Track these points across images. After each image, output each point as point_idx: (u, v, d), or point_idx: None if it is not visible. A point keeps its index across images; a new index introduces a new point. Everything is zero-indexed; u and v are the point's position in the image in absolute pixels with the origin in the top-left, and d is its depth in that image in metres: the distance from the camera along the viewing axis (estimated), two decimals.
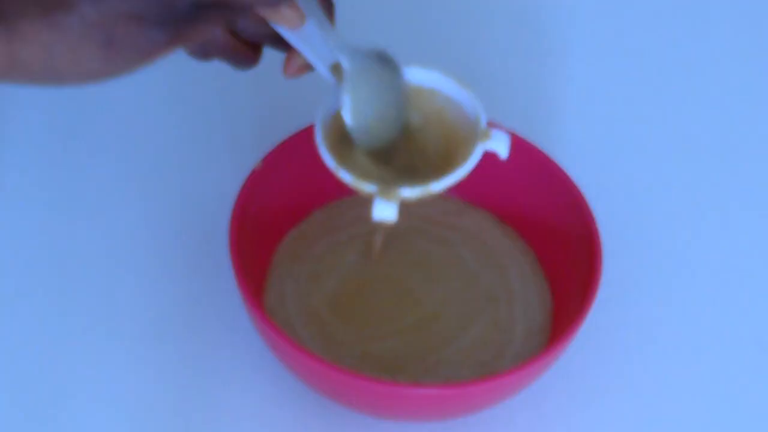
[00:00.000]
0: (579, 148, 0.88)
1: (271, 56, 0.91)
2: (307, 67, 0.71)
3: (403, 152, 0.72)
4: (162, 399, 0.73)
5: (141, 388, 0.73)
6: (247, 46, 0.70)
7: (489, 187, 0.81)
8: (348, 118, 0.69)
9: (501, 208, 0.81)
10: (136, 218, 0.81)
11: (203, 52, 0.70)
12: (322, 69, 0.69)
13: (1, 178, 0.83)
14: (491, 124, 0.74)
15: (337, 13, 0.96)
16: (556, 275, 0.77)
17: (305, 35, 0.69)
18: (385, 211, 0.66)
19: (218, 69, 0.91)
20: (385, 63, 0.70)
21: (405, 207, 0.78)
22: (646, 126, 0.91)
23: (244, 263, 0.71)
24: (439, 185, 0.68)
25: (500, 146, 0.69)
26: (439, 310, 0.76)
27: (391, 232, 0.79)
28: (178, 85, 0.90)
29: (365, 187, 0.67)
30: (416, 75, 0.71)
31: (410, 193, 0.67)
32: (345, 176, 0.67)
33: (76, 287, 0.78)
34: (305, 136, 0.77)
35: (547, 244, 0.78)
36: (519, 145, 0.78)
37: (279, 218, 0.78)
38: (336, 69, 0.69)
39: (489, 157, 0.79)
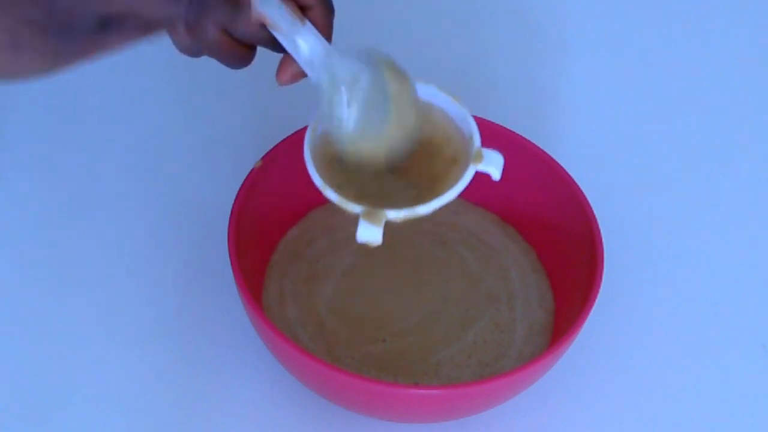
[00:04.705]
0: (580, 148, 0.88)
1: (270, 56, 0.91)
2: (302, 74, 0.68)
3: (414, 166, 0.69)
4: (161, 399, 0.73)
5: (140, 388, 0.73)
6: (241, 47, 0.69)
7: (489, 186, 0.80)
8: (338, 129, 0.66)
9: (502, 207, 0.80)
10: (135, 218, 0.81)
11: (194, 50, 0.68)
12: (314, 77, 0.67)
13: (1, 178, 0.83)
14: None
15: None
16: (557, 275, 0.77)
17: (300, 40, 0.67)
18: (369, 234, 0.64)
19: (218, 69, 0.90)
20: (393, 75, 0.67)
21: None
22: (647, 125, 0.90)
23: (243, 263, 0.71)
24: (426, 208, 0.65)
25: (493, 168, 0.67)
26: (440, 310, 0.76)
27: (391, 231, 0.79)
28: (177, 84, 0.90)
29: (351, 207, 0.65)
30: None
31: (396, 215, 0.65)
32: (331, 195, 0.65)
33: (76, 287, 0.78)
34: (305, 135, 0.77)
35: (548, 243, 0.78)
36: (520, 144, 0.78)
37: (278, 218, 0.78)
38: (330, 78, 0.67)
39: None
